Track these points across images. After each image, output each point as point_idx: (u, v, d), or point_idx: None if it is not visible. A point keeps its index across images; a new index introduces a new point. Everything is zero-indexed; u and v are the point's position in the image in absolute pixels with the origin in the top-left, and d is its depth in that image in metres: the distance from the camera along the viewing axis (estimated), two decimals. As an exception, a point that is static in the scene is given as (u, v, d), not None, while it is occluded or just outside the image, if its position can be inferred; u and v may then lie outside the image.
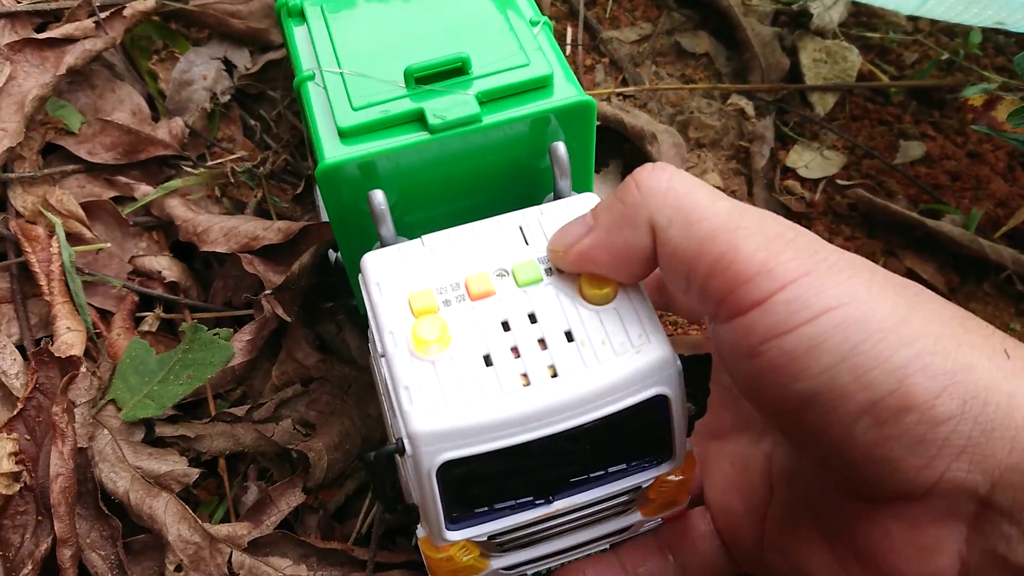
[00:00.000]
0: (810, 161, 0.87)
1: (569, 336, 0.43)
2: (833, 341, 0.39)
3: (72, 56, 0.78)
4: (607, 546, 0.54)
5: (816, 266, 0.40)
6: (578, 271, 0.46)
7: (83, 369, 0.65)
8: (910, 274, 0.78)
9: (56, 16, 0.84)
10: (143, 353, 0.66)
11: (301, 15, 0.56)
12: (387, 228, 0.48)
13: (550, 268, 0.46)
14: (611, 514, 0.51)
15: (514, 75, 0.50)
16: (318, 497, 0.66)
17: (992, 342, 0.40)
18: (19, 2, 0.83)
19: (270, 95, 0.87)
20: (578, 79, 0.51)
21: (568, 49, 0.93)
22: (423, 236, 0.47)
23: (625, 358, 0.43)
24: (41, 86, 0.77)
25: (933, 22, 0.97)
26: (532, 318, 0.44)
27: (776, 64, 0.92)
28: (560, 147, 0.49)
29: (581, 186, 0.53)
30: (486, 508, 0.46)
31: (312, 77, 0.52)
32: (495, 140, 0.50)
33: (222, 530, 0.60)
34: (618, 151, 0.86)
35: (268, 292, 0.68)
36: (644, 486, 0.49)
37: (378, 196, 0.47)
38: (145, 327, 0.72)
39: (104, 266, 0.74)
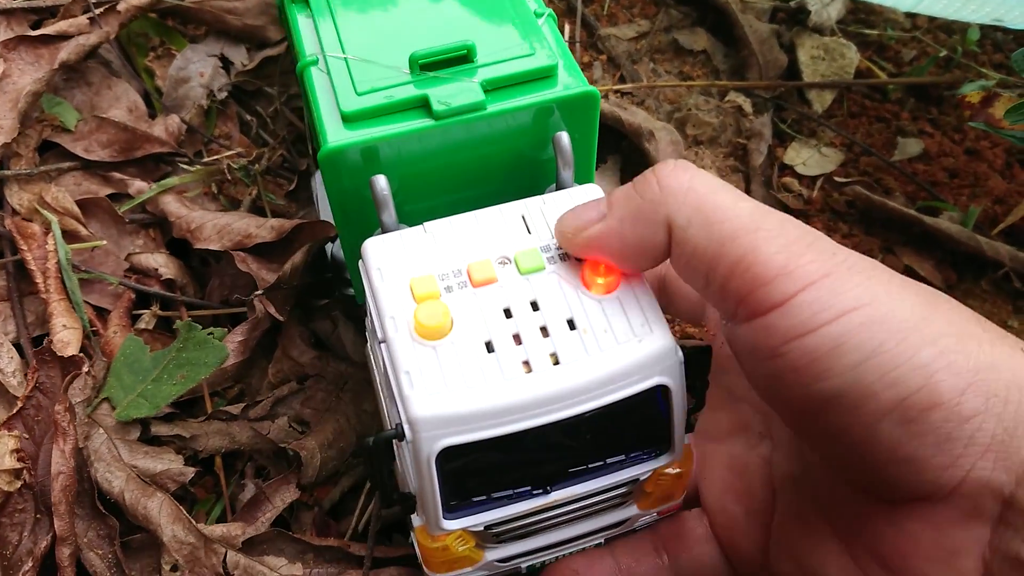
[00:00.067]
0: (808, 158, 0.87)
1: (571, 324, 0.43)
2: (856, 340, 0.39)
3: (66, 52, 0.78)
4: (602, 540, 0.53)
5: (835, 268, 0.40)
6: (583, 256, 0.46)
7: (83, 369, 0.65)
8: (908, 271, 0.77)
9: (51, 13, 0.84)
10: (137, 351, 0.66)
11: (305, 1, 0.55)
12: (389, 214, 0.47)
13: (553, 257, 0.46)
14: (608, 507, 0.51)
15: (519, 64, 0.50)
16: (313, 494, 0.65)
17: (1009, 342, 0.41)
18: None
19: (267, 92, 0.87)
20: (586, 81, 0.51)
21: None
22: (425, 223, 0.47)
23: (627, 347, 0.42)
24: (35, 82, 0.76)
25: (931, 19, 0.97)
26: (534, 306, 0.44)
27: (774, 61, 0.92)
28: (564, 137, 0.49)
29: (583, 177, 0.52)
30: (484, 497, 0.46)
31: (315, 62, 0.51)
32: (498, 129, 0.50)
33: (216, 530, 0.60)
34: (616, 148, 0.85)
35: (260, 292, 0.68)
36: (642, 478, 0.49)
37: (381, 181, 0.47)
38: (142, 325, 0.72)
39: (100, 263, 0.74)
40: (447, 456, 0.42)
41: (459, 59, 0.49)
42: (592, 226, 0.45)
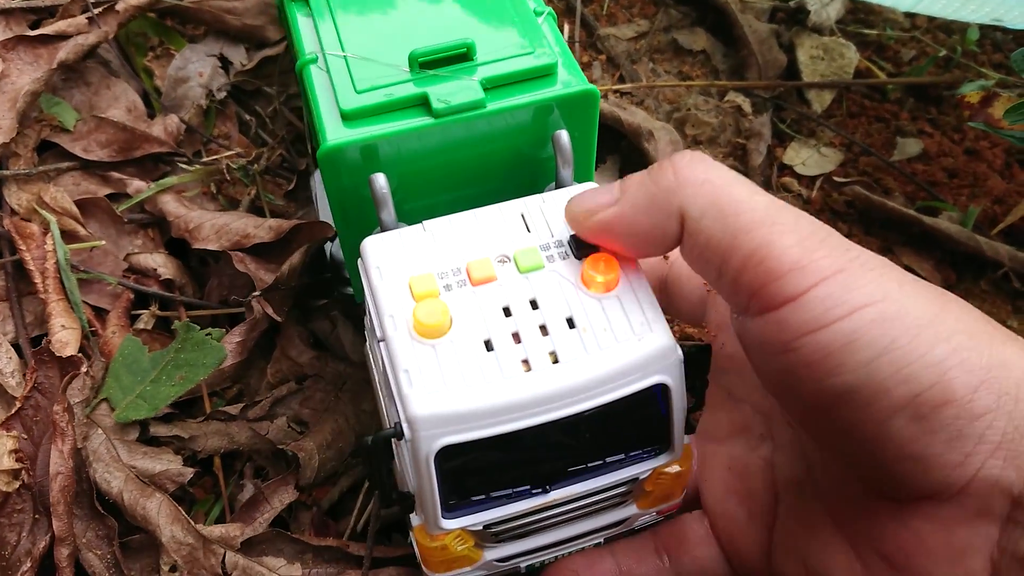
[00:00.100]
0: (807, 158, 0.87)
1: (571, 323, 0.43)
2: (870, 336, 0.39)
3: (65, 52, 0.78)
4: (601, 540, 0.53)
5: (849, 264, 0.41)
6: (591, 239, 0.46)
7: (82, 369, 0.65)
8: (907, 271, 0.77)
9: (50, 12, 0.84)
10: (136, 351, 0.66)
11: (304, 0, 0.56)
12: (388, 213, 0.47)
13: (552, 255, 0.46)
14: (607, 506, 0.50)
15: (518, 63, 0.50)
16: (312, 494, 0.65)
17: (1019, 341, 0.41)
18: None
19: (266, 91, 0.87)
20: (585, 79, 0.51)
21: (565, 46, 0.93)
22: (424, 221, 0.47)
23: (627, 345, 0.42)
24: (34, 82, 0.76)
25: (930, 19, 0.97)
26: (534, 304, 0.44)
27: (773, 61, 0.92)
28: (563, 135, 0.49)
29: (583, 176, 0.52)
30: (483, 496, 0.46)
31: (315, 60, 0.51)
32: (498, 127, 0.50)
33: (215, 531, 0.60)
34: (615, 148, 0.85)
35: (258, 293, 0.68)
36: (641, 478, 0.48)
37: (380, 180, 0.47)
38: (140, 325, 0.71)
39: (99, 264, 0.74)
40: (446, 455, 0.42)
41: (459, 57, 0.49)
42: (604, 210, 0.45)
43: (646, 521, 0.54)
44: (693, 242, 0.43)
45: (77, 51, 0.79)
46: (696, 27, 0.97)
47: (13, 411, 0.62)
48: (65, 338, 0.66)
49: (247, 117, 0.86)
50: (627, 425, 0.46)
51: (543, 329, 0.43)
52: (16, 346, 0.68)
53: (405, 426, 0.41)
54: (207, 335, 0.65)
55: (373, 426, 0.66)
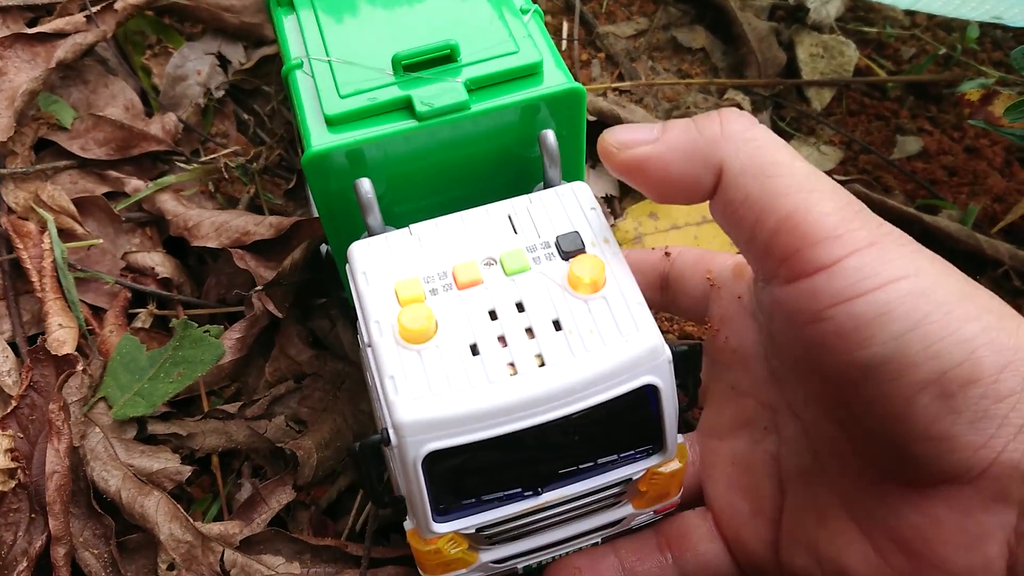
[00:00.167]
0: (807, 156, 0.86)
1: (557, 325, 0.43)
2: (903, 309, 0.39)
3: (62, 50, 0.78)
4: (599, 540, 0.53)
5: (883, 238, 0.41)
6: (620, 174, 0.46)
7: (78, 368, 0.65)
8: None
9: (48, 11, 0.83)
10: (134, 350, 0.66)
11: (290, 4, 0.55)
12: (374, 217, 0.47)
13: (538, 257, 0.45)
14: (602, 506, 0.50)
15: (503, 62, 0.49)
16: (310, 494, 0.65)
17: None
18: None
19: (264, 90, 0.87)
20: (574, 74, 0.50)
21: (564, 44, 0.93)
22: (411, 225, 0.47)
23: (614, 347, 0.42)
24: (31, 80, 0.76)
25: (930, 16, 0.97)
26: (520, 307, 0.43)
27: (773, 59, 0.91)
28: (549, 135, 0.49)
29: (572, 175, 0.52)
30: (473, 500, 0.45)
31: (300, 65, 0.51)
32: (484, 128, 0.49)
33: (213, 529, 0.60)
34: (614, 146, 0.85)
35: (259, 288, 0.68)
36: (635, 478, 0.48)
37: (365, 184, 0.47)
38: (138, 324, 0.72)
39: (96, 262, 0.74)
40: (434, 460, 0.41)
41: (442, 59, 0.49)
42: (641, 146, 0.45)
43: (643, 521, 0.54)
44: (729, 198, 0.43)
45: (75, 49, 0.79)
46: (695, 25, 0.97)
47: (9, 410, 0.62)
48: (62, 337, 0.66)
49: (245, 116, 0.86)
50: (618, 426, 0.46)
51: (529, 332, 0.43)
52: (13, 345, 0.68)
53: (391, 432, 0.41)
54: (205, 332, 0.65)
55: (371, 426, 0.66)
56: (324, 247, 0.65)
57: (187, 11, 0.87)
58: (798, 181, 0.42)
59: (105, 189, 0.78)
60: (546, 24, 0.52)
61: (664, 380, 0.44)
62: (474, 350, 0.42)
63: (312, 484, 0.65)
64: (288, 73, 0.51)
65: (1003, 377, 0.38)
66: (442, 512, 0.45)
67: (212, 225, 0.73)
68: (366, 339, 0.44)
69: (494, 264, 0.45)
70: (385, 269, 0.45)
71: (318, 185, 0.49)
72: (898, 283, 0.39)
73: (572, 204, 0.47)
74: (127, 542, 0.61)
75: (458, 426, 0.41)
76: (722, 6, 0.95)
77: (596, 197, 0.48)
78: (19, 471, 0.60)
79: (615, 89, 0.90)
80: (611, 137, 0.46)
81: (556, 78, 0.50)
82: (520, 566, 0.52)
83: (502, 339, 0.42)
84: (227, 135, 0.84)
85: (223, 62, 0.87)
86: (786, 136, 0.88)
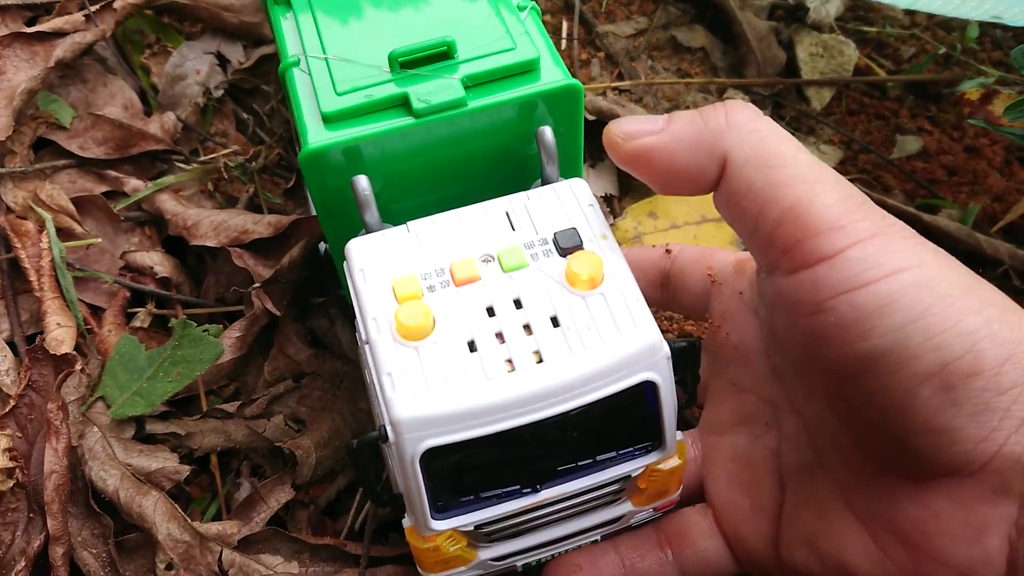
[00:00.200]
0: (807, 155, 0.87)
1: (555, 321, 0.43)
2: (905, 301, 0.39)
3: (61, 49, 0.78)
4: (598, 537, 0.53)
5: (886, 230, 0.41)
6: (625, 164, 0.46)
7: (76, 367, 0.65)
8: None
9: (47, 10, 0.84)
10: (132, 349, 0.66)
11: (287, 1, 0.55)
12: (371, 214, 0.47)
13: (536, 253, 0.45)
14: (601, 504, 0.50)
15: (500, 59, 0.49)
16: (309, 493, 0.65)
17: None
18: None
19: (263, 89, 0.87)
20: (573, 74, 0.50)
21: (563, 43, 0.93)
22: (408, 222, 0.47)
23: (612, 343, 0.42)
24: (30, 79, 0.76)
25: (930, 16, 0.97)
26: (517, 303, 0.43)
27: (772, 58, 0.91)
28: (546, 131, 0.48)
29: (570, 172, 0.52)
30: (472, 497, 0.45)
31: (297, 63, 0.51)
32: (481, 125, 0.49)
33: (212, 528, 0.60)
34: (613, 146, 0.85)
35: (257, 285, 0.68)
36: (634, 475, 0.48)
37: (362, 182, 0.46)
38: (137, 323, 0.71)
39: (95, 262, 0.74)
40: (432, 457, 0.41)
41: (439, 56, 0.49)
42: (646, 136, 0.45)
43: (643, 518, 0.54)
44: (732, 189, 0.43)
45: (74, 48, 0.79)
46: (695, 24, 0.97)
47: (7, 409, 0.62)
48: (60, 336, 0.66)
49: (244, 115, 0.86)
50: (617, 423, 0.46)
51: (527, 328, 0.42)
52: (11, 344, 0.68)
53: (389, 429, 0.41)
54: (204, 331, 0.65)
55: (370, 425, 0.66)
56: (323, 245, 0.65)
57: (186, 10, 0.87)
58: (801, 172, 0.42)
59: (104, 188, 0.78)
60: (545, 23, 0.52)
61: (663, 376, 0.44)
62: (472, 347, 0.42)
63: (311, 483, 0.64)
64: (285, 70, 0.51)
65: (1005, 370, 0.38)
66: (440, 509, 0.45)
67: (211, 224, 0.73)
68: (364, 336, 0.44)
69: (492, 261, 0.45)
70: (382, 266, 0.45)
71: (315, 182, 0.49)
72: (900, 274, 0.39)
73: (570, 201, 0.47)
74: (125, 542, 0.61)
75: (456, 423, 0.41)
76: (722, 5, 0.95)
77: (595, 196, 0.48)
78: (17, 470, 0.60)
79: (615, 88, 0.89)
80: (616, 128, 0.46)
81: (553, 74, 0.49)
82: (519, 564, 0.52)
83: (500, 336, 0.42)
84: (226, 134, 0.84)
85: (222, 61, 0.87)
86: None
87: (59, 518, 0.59)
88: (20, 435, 0.62)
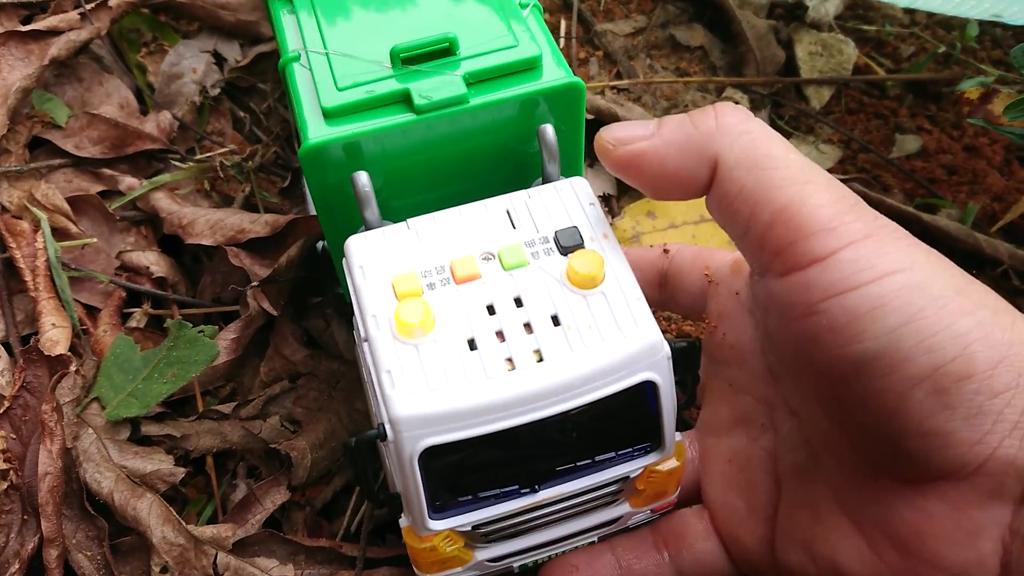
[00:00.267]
0: (806, 155, 0.86)
1: (555, 320, 0.42)
2: (897, 303, 0.39)
3: (57, 48, 0.78)
4: (595, 539, 0.53)
5: (878, 231, 0.41)
6: (617, 171, 0.46)
7: (71, 368, 0.65)
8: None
9: (42, 8, 0.83)
10: (127, 350, 0.66)
11: None
12: (371, 211, 0.47)
13: (537, 252, 0.45)
14: (599, 505, 0.50)
15: (502, 56, 0.49)
16: (305, 494, 0.65)
17: None
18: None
19: (260, 88, 0.86)
20: (571, 72, 0.50)
21: (562, 42, 0.93)
22: (408, 219, 0.47)
23: (612, 343, 0.42)
24: (25, 78, 0.76)
25: (930, 15, 0.97)
26: (518, 302, 0.43)
27: (771, 57, 0.91)
28: (548, 129, 0.48)
29: (571, 170, 0.52)
30: (470, 497, 0.45)
31: (298, 58, 0.51)
32: (482, 122, 0.49)
33: (206, 531, 0.59)
34: (612, 145, 0.85)
35: (254, 284, 0.67)
36: (632, 476, 0.48)
37: (362, 178, 0.46)
38: (133, 323, 0.71)
39: (91, 261, 0.74)
40: (430, 456, 0.41)
41: (441, 52, 0.49)
42: (637, 142, 0.45)
43: (640, 520, 0.53)
44: (723, 191, 0.43)
45: (69, 47, 0.79)
46: (694, 23, 0.96)
47: (1, 411, 0.62)
48: (55, 337, 0.66)
49: (241, 114, 0.86)
50: (616, 423, 0.46)
51: (527, 327, 0.42)
52: (6, 344, 0.68)
53: (388, 427, 0.41)
54: (199, 332, 0.64)
55: (366, 425, 0.66)
56: (321, 244, 0.65)
57: (183, 8, 0.86)
58: (793, 173, 0.42)
59: (99, 188, 0.77)
60: (544, 22, 0.52)
61: (663, 376, 0.43)
62: (471, 345, 0.42)
63: (307, 484, 0.64)
64: (285, 65, 0.51)
65: (997, 373, 0.38)
66: (438, 509, 0.45)
67: (207, 223, 0.73)
68: (363, 333, 0.43)
69: (492, 259, 0.45)
70: (382, 263, 0.45)
71: (315, 178, 0.48)
72: (893, 276, 0.39)
73: (571, 199, 0.47)
74: (120, 544, 0.61)
75: (455, 421, 0.40)
76: (721, 4, 0.95)
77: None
78: (11, 472, 0.60)
79: (613, 87, 0.89)
80: (607, 134, 0.46)
81: (555, 72, 0.49)
82: (516, 565, 0.52)
83: (500, 334, 0.42)
84: (223, 133, 0.84)
85: (219, 60, 0.86)
86: (785, 135, 0.87)
87: (53, 520, 0.58)
88: (14, 437, 0.62)
